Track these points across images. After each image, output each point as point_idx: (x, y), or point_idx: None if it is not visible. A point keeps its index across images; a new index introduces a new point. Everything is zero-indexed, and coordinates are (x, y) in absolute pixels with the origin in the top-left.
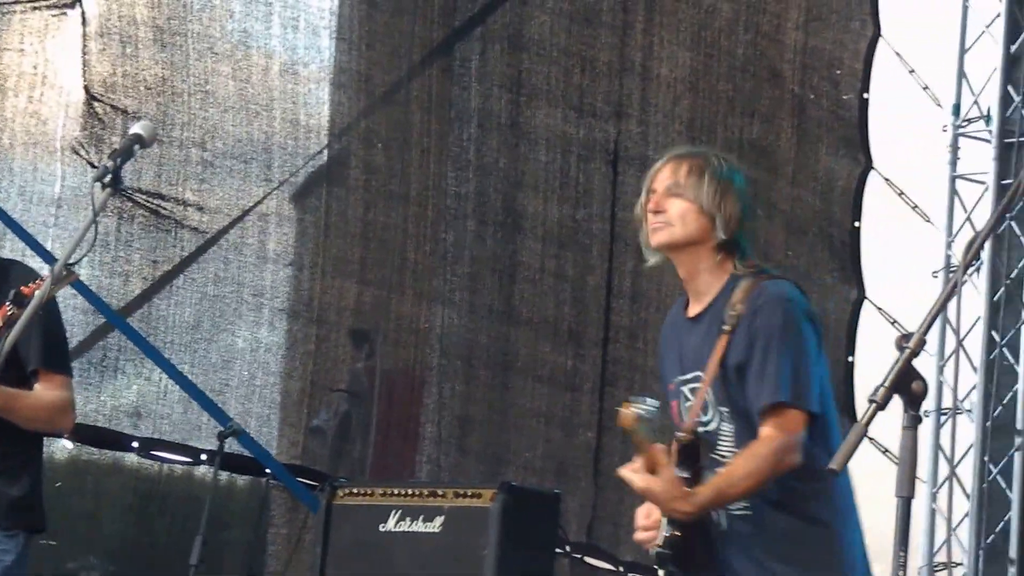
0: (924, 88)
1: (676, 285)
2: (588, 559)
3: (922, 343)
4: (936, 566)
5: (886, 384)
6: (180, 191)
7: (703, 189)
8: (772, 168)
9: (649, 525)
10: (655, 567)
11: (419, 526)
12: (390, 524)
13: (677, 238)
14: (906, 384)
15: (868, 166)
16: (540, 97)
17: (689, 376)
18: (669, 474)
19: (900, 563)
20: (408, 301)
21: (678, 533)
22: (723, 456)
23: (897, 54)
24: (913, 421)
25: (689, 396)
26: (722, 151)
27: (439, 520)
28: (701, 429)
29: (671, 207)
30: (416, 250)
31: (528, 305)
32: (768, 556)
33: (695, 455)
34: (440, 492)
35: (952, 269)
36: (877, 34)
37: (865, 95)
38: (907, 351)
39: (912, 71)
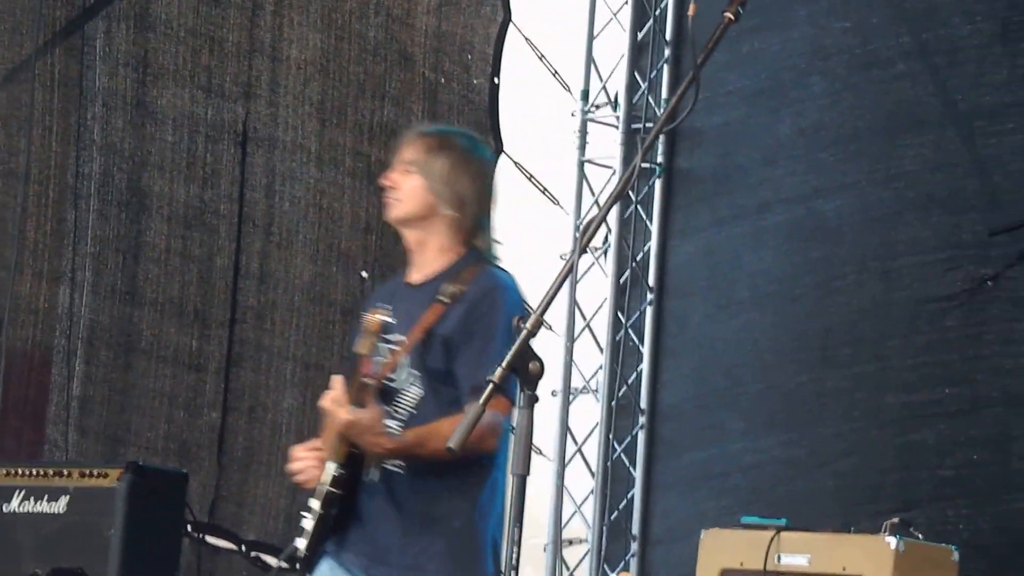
0: (554, 74)
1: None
2: (210, 539)
3: (539, 324)
4: (566, 543)
5: (503, 364)
6: None
7: (436, 167)
8: None
9: (307, 458)
10: (311, 509)
11: (43, 507)
12: (13, 505)
13: (403, 214)
14: (523, 364)
15: (499, 149)
16: (167, 77)
17: (391, 336)
18: (376, 410)
19: (515, 539)
20: (28, 280)
21: (345, 472)
22: (397, 412)
23: (527, 40)
24: (529, 401)
25: (384, 354)
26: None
27: (64, 500)
28: (386, 383)
29: (403, 183)
30: (37, 230)
31: (153, 285)
32: (401, 517)
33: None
34: (65, 472)
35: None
36: (508, 19)
37: (496, 80)
38: (524, 332)
39: (542, 57)
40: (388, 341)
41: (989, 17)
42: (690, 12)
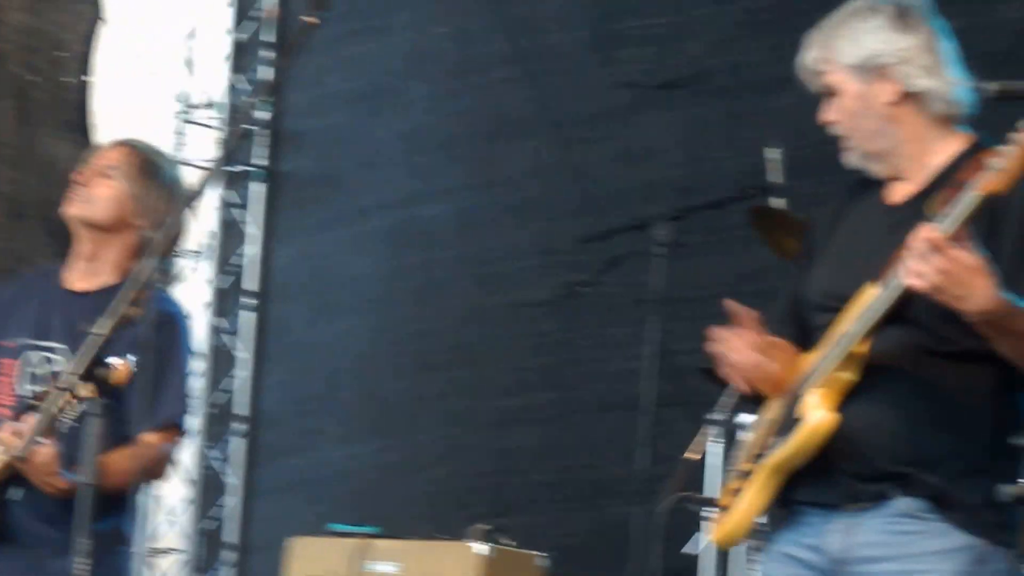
0: (154, 74)
1: None
2: None
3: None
4: (158, 552)
5: (73, 371)
6: None
7: (140, 180)
8: None
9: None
10: None
11: None
12: None
13: (92, 216)
14: (94, 370)
15: (90, 149)
16: None
17: (48, 344)
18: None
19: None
20: None
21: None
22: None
23: (127, 39)
24: (104, 409)
25: (36, 363)
26: None
27: None
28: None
29: (101, 185)
30: None
31: None
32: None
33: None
34: None
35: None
36: (101, 17)
37: (90, 78)
38: (95, 338)
39: (142, 55)
40: (40, 348)
41: (584, 25)
42: (267, 16)
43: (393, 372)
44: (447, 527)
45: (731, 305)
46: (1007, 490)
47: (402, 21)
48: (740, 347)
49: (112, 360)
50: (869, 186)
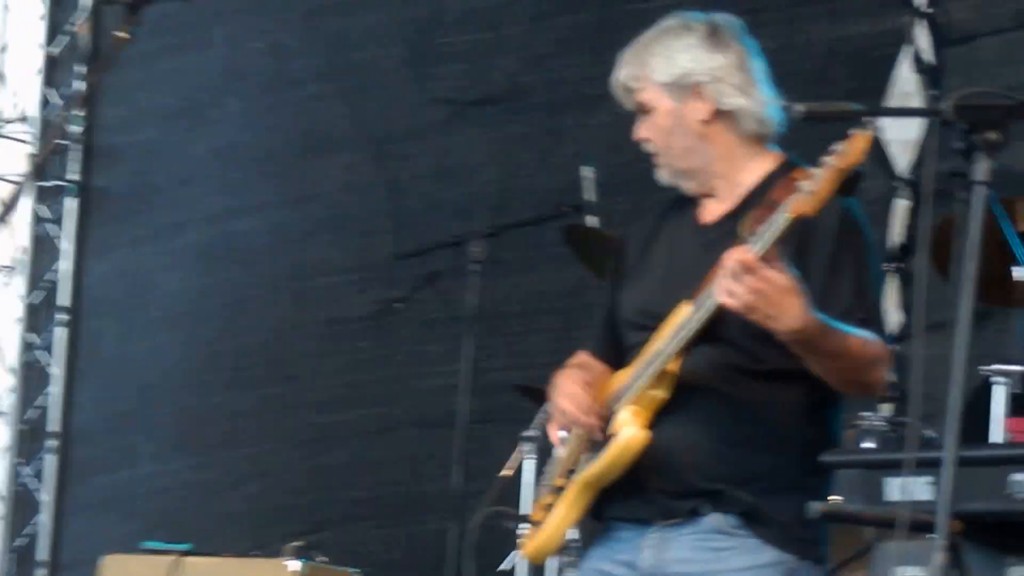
0: None
1: None
2: None
3: None
4: None
5: None
6: None
7: None
8: None
9: None
10: None
11: None
12: None
13: None
14: None
15: None
16: None
17: None
18: None
19: None
20: None
21: None
22: None
23: None
24: None
25: None
26: None
27: None
28: None
29: None
30: None
31: None
32: None
33: None
34: None
35: None
36: None
37: None
38: None
39: None
40: None
41: (399, 42)
42: (79, 30)
43: (207, 388)
44: (262, 544)
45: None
46: (816, 506)
47: (217, 36)
48: (575, 395)
49: None
50: (683, 204)
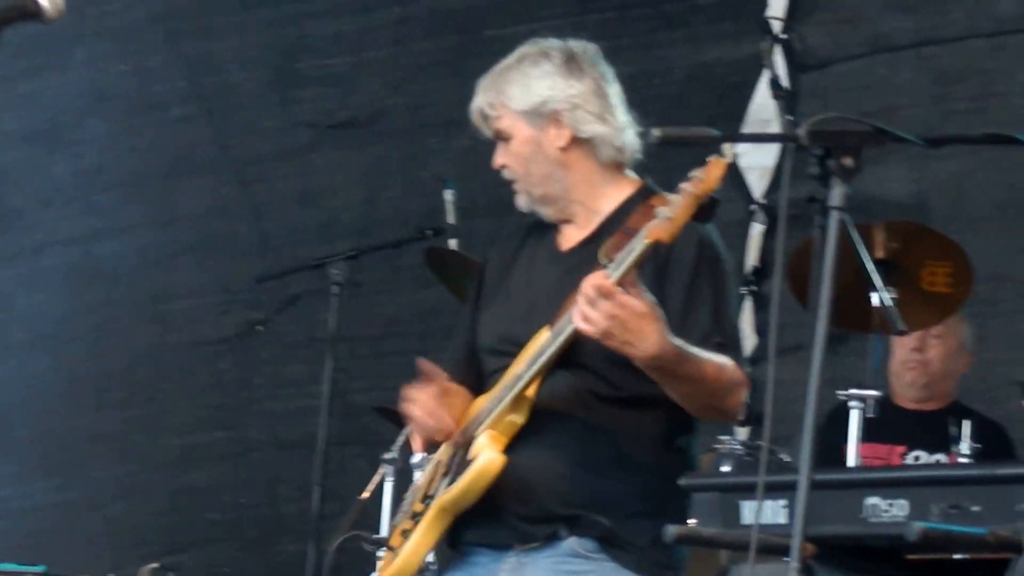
0: None
1: None
2: None
3: None
4: None
5: None
6: None
7: None
8: None
9: None
10: None
11: None
12: None
13: None
14: None
15: None
16: None
17: None
18: None
19: None
20: None
21: None
22: None
23: None
24: None
25: None
26: None
27: None
28: None
29: None
30: None
31: None
32: None
33: None
34: None
35: None
36: None
37: None
38: None
39: None
40: None
41: (263, 64)
42: None
43: (69, 410)
44: (120, 565)
45: (423, 364)
46: (672, 530)
47: (80, 58)
48: (424, 403)
49: None
50: (542, 229)
